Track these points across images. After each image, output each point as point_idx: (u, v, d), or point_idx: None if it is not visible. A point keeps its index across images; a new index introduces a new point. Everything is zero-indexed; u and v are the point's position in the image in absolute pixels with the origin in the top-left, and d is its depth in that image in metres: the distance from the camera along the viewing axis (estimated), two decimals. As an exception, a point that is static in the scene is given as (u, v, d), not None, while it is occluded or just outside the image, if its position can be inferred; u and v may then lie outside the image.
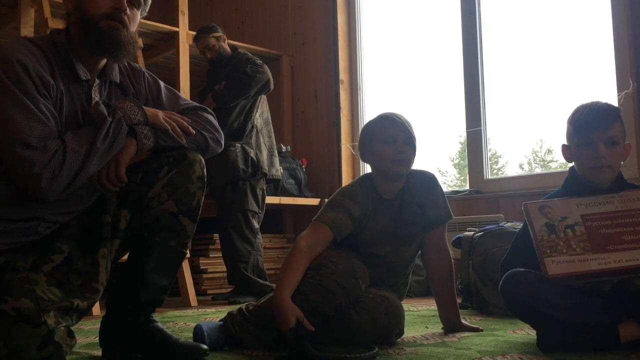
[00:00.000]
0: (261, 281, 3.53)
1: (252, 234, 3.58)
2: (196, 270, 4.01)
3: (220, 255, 3.92)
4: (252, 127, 3.70)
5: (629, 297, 1.65)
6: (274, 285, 1.81)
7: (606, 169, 1.72)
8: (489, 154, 3.92)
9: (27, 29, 3.56)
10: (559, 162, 4.57)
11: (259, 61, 3.68)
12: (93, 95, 1.65)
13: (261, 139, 3.75)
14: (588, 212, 1.67)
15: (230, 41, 3.94)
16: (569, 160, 1.84)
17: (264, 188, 3.72)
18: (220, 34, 3.78)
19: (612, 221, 1.65)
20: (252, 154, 3.62)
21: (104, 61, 1.68)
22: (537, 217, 1.69)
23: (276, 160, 3.83)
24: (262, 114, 3.80)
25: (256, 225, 3.63)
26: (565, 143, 1.83)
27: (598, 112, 1.74)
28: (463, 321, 2.06)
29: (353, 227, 1.90)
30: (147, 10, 1.73)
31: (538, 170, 5.73)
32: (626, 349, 1.58)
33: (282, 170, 3.99)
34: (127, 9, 1.62)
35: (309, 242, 1.81)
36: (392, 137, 1.90)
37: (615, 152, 1.73)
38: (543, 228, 1.67)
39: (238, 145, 3.59)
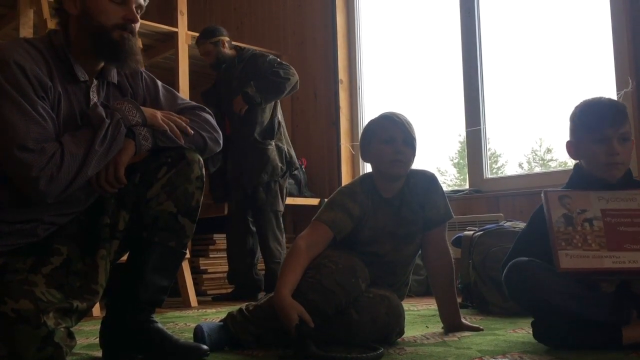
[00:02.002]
0: None
1: (281, 234, 3.67)
2: (196, 271, 4.01)
3: (220, 255, 3.94)
4: (279, 123, 3.77)
5: (636, 300, 1.63)
6: None
7: (620, 166, 1.70)
8: (488, 153, 3.92)
9: (26, 30, 3.56)
10: (558, 161, 4.57)
11: (279, 60, 3.73)
12: (91, 96, 1.65)
13: (287, 134, 3.84)
14: (609, 207, 1.64)
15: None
16: (574, 157, 1.81)
17: (287, 187, 3.81)
18: (218, 38, 3.76)
19: (632, 219, 1.62)
20: (285, 150, 3.72)
21: (103, 62, 1.68)
22: (556, 207, 1.66)
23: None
24: (279, 110, 3.86)
25: (282, 224, 3.70)
26: (569, 140, 1.80)
27: (610, 108, 1.71)
28: (463, 320, 2.06)
29: (353, 226, 1.90)
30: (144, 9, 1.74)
31: (537, 169, 5.73)
32: (626, 347, 1.58)
33: None
34: (138, 19, 1.64)
35: (307, 241, 1.81)
36: (391, 136, 1.90)
37: (628, 148, 1.71)
38: (560, 219, 1.64)
39: (273, 143, 3.66)
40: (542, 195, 1.70)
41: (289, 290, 1.71)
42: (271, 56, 3.76)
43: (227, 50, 3.80)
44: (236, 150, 3.60)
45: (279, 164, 3.64)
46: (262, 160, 3.59)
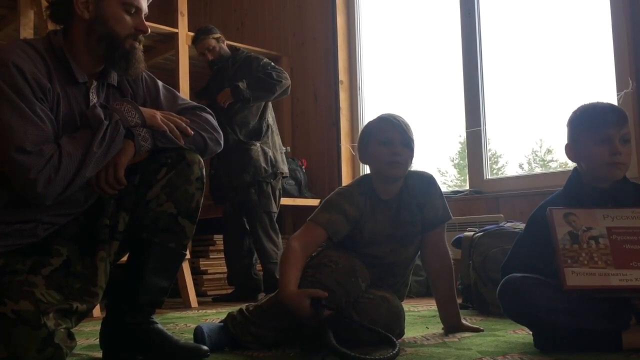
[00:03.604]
0: None
1: (276, 235, 3.67)
2: (196, 272, 4.01)
3: (220, 256, 3.94)
4: (268, 126, 3.76)
5: (633, 308, 1.63)
6: None
7: (622, 166, 1.70)
8: (488, 154, 3.92)
9: (27, 31, 3.56)
10: (558, 162, 4.57)
11: (272, 64, 3.74)
12: (91, 97, 1.65)
13: (275, 139, 3.82)
14: (614, 225, 1.63)
15: (229, 42, 3.95)
16: (574, 159, 1.79)
17: (281, 188, 3.79)
18: (219, 35, 3.80)
19: (638, 237, 1.61)
20: (270, 154, 3.70)
21: (104, 65, 1.69)
22: (561, 225, 1.64)
23: (284, 158, 3.88)
24: (271, 113, 3.86)
25: (277, 225, 3.70)
26: (567, 143, 1.79)
27: (612, 109, 1.72)
28: (463, 321, 2.06)
29: (350, 227, 1.89)
30: None
31: (538, 170, 5.72)
32: (627, 352, 1.57)
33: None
34: (149, 30, 1.68)
35: (301, 242, 1.82)
36: (388, 138, 1.89)
37: (628, 150, 1.71)
38: (566, 237, 1.62)
39: (258, 144, 3.65)
40: (546, 212, 1.68)
41: (293, 285, 1.70)
42: (265, 59, 3.76)
43: (226, 48, 3.81)
44: (222, 150, 3.59)
45: (263, 165, 3.62)
46: (243, 160, 3.59)
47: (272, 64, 3.75)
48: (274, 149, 3.76)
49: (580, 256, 1.58)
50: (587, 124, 1.72)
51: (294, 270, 1.75)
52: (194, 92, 4.03)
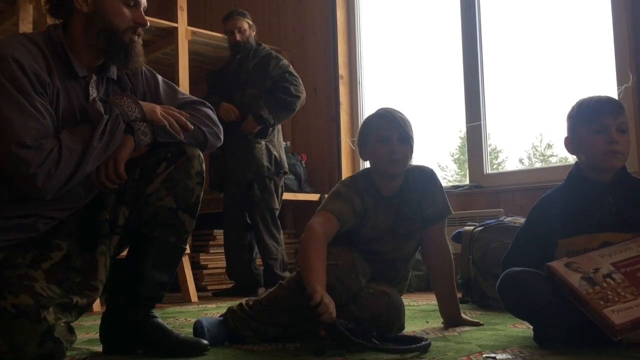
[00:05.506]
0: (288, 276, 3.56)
1: (277, 231, 3.67)
2: (196, 266, 4.02)
3: (220, 250, 3.94)
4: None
5: None
6: None
7: (619, 155, 1.71)
8: (488, 148, 3.92)
9: (26, 26, 3.55)
10: (558, 157, 4.57)
11: (290, 70, 3.72)
12: (90, 92, 1.65)
13: (280, 137, 3.82)
14: (616, 260, 1.61)
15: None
16: (573, 152, 1.81)
17: (283, 185, 3.80)
18: (252, 23, 3.81)
19: None
20: (275, 152, 3.70)
21: (103, 59, 1.68)
22: (569, 274, 1.61)
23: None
24: None
25: (278, 221, 3.70)
26: (567, 136, 1.80)
27: (608, 100, 1.74)
28: (463, 315, 2.06)
29: (354, 221, 1.88)
30: None
31: (538, 165, 5.72)
32: (626, 346, 1.57)
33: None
34: (147, 22, 1.67)
35: (324, 229, 1.78)
36: (386, 136, 1.87)
37: (626, 140, 1.72)
38: (582, 282, 1.58)
39: (263, 142, 3.65)
40: (545, 270, 1.65)
41: (323, 287, 1.63)
42: (284, 60, 3.76)
43: (253, 37, 3.81)
44: (226, 143, 3.59)
45: (265, 164, 3.62)
46: (247, 158, 3.59)
47: (290, 69, 3.73)
48: (279, 147, 3.76)
49: (608, 295, 1.54)
50: (584, 116, 1.74)
51: (322, 263, 1.69)
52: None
